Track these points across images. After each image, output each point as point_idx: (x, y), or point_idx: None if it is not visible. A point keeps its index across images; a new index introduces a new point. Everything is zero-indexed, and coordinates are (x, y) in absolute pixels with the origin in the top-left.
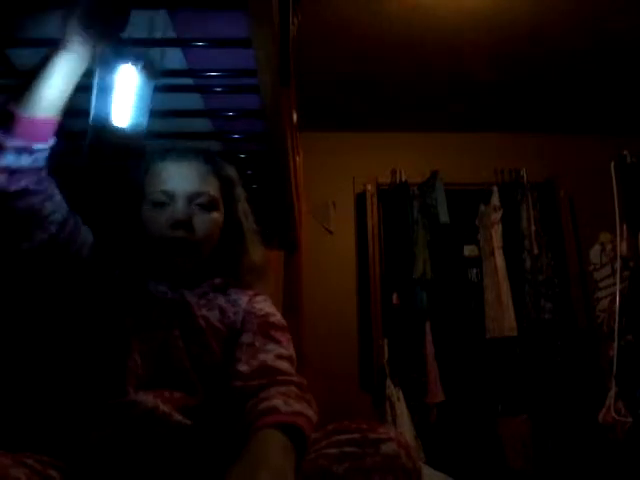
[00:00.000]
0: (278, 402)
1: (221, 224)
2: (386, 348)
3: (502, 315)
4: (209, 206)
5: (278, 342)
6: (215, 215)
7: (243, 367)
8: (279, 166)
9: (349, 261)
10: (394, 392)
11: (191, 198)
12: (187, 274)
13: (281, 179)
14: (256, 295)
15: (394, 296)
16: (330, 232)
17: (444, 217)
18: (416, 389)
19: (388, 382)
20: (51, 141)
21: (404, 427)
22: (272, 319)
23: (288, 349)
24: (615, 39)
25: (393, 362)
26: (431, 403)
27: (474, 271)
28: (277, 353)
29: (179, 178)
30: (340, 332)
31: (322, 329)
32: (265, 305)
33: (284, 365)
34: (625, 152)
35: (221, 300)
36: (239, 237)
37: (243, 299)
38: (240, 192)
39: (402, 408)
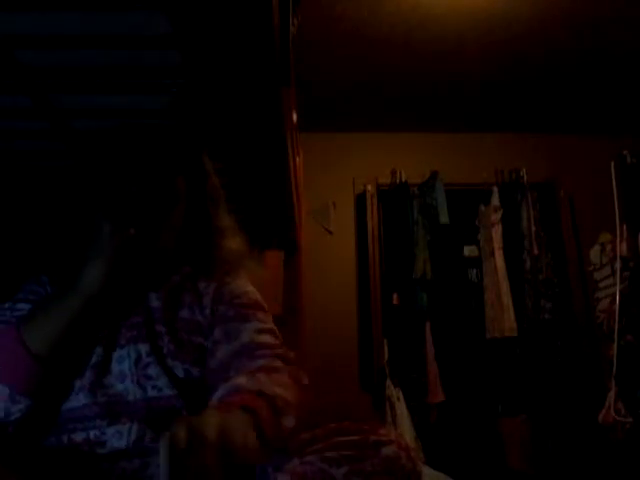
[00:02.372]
0: (242, 380)
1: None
2: (386, 348)
3: (502, 315)
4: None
5: (254, 317)
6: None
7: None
8: (279, 166)
9: (349, 261)
10: (394, 392)
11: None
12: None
13: (281, 179)
14: (225, 277)
15: (394, 296)
16: (330, 232)
17: (444, 217)
18: (416, 389)
19: (388, 382)
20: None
21: (404, 427)
22: (241, 300)
23: (267, 322)
24: (615, 39)
25: (393, 362)
26: (431, 403)
27: (474, 271)
28: (255, 328)
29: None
30: (340, 332)
31: (322, 329)
32: (234, 286)
33: (264, 338)
34: (625, 152)
35: (189, 294)
36: (205, 226)
37: (211, 286)
38: (208, 174)
39: (402, 408)
